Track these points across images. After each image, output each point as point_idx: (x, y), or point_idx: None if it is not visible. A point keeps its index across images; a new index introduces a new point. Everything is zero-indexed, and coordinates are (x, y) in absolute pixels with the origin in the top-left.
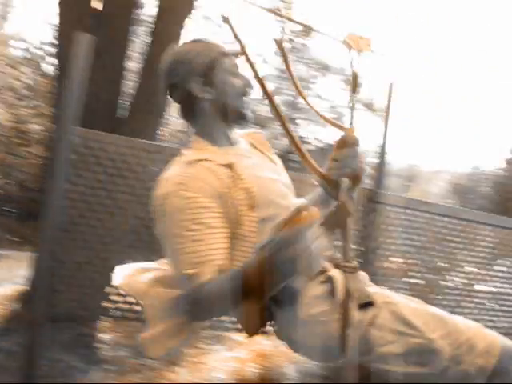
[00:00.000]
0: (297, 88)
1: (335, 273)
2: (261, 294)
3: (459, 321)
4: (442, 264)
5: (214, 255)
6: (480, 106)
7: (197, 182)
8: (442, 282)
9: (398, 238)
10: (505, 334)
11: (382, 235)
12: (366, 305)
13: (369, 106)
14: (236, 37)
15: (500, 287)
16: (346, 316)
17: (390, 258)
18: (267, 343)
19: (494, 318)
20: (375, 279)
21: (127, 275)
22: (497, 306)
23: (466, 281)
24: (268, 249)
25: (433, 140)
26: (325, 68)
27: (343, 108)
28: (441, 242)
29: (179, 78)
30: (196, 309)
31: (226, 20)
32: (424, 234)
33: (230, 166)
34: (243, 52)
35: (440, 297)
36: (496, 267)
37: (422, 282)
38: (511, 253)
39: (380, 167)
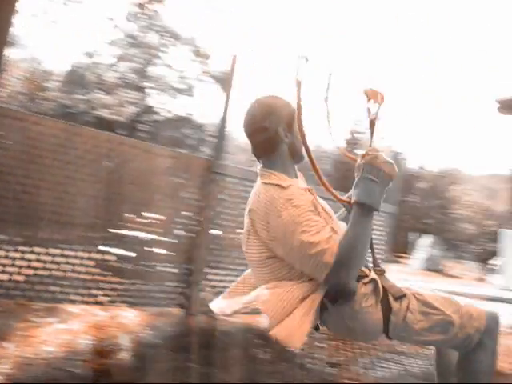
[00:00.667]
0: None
1: (374, 275)
2: (378, 203)
3: (457, 299)
4: None
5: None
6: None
7: (299, 196)
8: None
9: (235, 208)
10: None
11: (220, 205)
12: (401, 297)
13: (217, 79)
14: (299, 98)
15: None
16: (388, 307)
17: (228, 229)
18: (102, 314)
19: None
20: (211, 248)
21: (228, 300)
22: None
23: None
24: (365, 171)
25: None
26: (175, 37)
27: (192, 79)
28: None
29: (270, 123)
30: (346, 264)
31: (298, 84)
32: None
33: (309, 190)
34: (299, 113)
35: None
36: None
37: None
38: None
39: (219, 138)
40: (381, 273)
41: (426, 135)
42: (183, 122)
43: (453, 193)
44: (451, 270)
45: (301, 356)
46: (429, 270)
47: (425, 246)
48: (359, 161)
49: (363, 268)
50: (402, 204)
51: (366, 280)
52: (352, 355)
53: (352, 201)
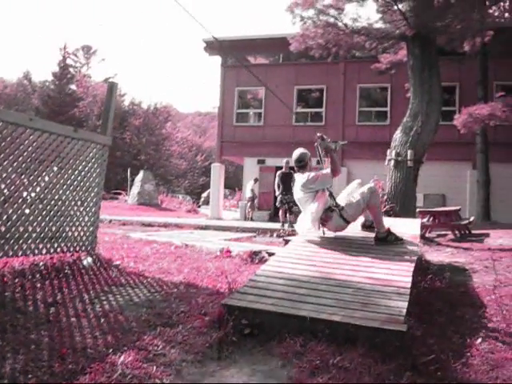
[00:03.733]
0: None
1: (340, 209)
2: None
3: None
4: None
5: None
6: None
7: (316, 172)
8: None
9: None
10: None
11: None
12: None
13: None
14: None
15: (48, 193)
16: (346, 220)
17: None
18: None
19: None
20: None
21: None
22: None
23: (13, 188)
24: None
25: None
26: None
27: None
28: None
29: (307, 158)
30: (337, 169)
31: (317, 147)
32: None
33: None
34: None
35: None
36: (44, 173)
37: None
38: (58, 159)
39: None
40: (340, 207)
41: (140, 73)
42: None
43: (164, 130)
44: (166, 203)
45: (15, 300)
46: (144, 204)
47: (139, 181)
48: (322, 139)
49: (336, 204)
50: (118, 141)
51: (338, 209)
52: (72, 293)
53: (328, 150)
